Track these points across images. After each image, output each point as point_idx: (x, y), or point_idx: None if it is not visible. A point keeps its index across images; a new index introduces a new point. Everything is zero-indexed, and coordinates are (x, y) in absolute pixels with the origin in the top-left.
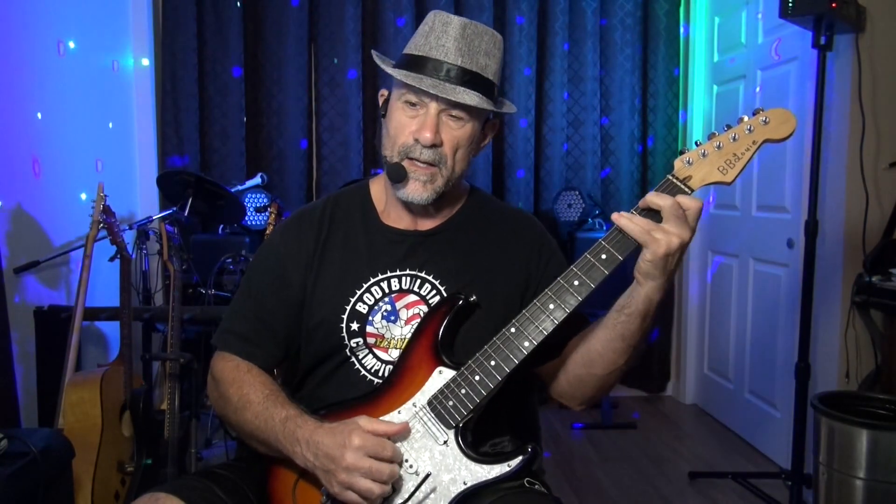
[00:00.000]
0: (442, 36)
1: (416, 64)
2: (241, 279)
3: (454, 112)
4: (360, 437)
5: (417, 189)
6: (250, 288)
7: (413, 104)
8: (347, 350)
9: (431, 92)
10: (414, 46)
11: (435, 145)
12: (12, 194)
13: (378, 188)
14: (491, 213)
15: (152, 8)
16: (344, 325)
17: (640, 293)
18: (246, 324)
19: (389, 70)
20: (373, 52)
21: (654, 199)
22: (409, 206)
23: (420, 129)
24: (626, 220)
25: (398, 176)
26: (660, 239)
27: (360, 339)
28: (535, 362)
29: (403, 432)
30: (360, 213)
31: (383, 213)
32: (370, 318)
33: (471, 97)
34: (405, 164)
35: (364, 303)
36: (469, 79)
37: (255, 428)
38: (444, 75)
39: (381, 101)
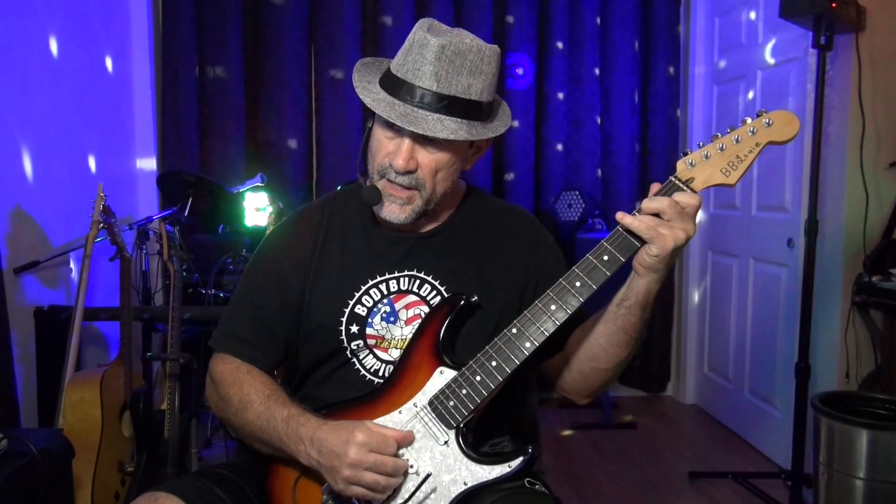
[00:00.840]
0: (419, 59)
1: (392, 87)
2: (239, 281)
3: (434, 140)
4: (363, 434)
5: (394, 211)
6: (248, 290)
7: (391, 125)
8: (348, 352)
9: (398, 124)
10: (395, 64)
11: (409, 171)
12: (12, 194)
13: None
14: (488, 211)
15: (152, 7)
16: (343, 328)
17: (641, 285)
18: (244, 326)
19: (360, 94)
20: (356, 67)
21: (649, 204)
22: None
23: (394, 155)
24: (630, 219)
25: (372, 200)
26: (666, 234)
27: (360, 342)
28: (538, 359)
29: (408, 439)
30: (358, 215)
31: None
32: (370, 320)
33: (445, 126)
34: (382, 184)
35: (363, 305)
36: (446, 104)
37: (257, 428)
38: (417, 101)
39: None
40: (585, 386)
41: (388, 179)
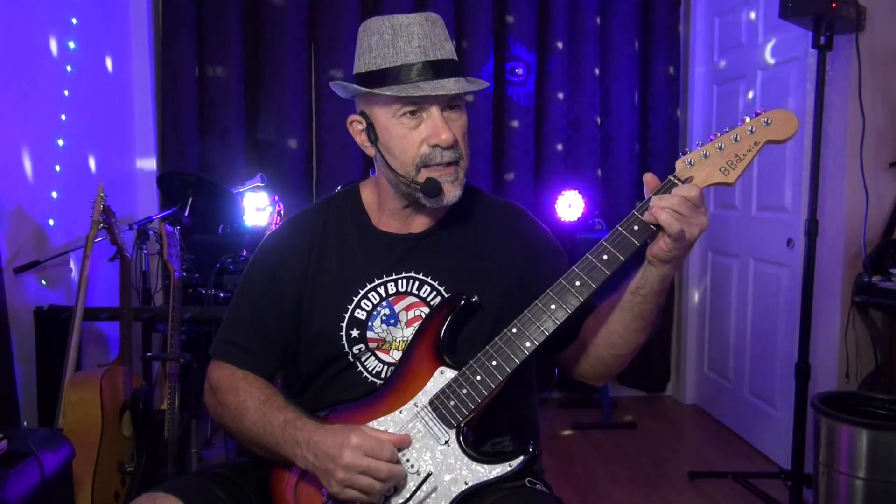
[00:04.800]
0: (412, 38)
1: (399, 75)
2: (236, 288)
3: (452, 104)
4: (358, 437)
5: (450, 191)
6: (245, 297)
7: (413, 112)
8: (350, 356)
9: (435, 94)
10: (382, 59)
11: (455, 144)
12: (12, 194)
13: (369, 193)
14: (484, 208)
15: (152, 7)
16: (344, 333)
17: (656, 274)
18: (242, 333)
19: (380, 91)
20: (331, 84)
21: (659, 203)
22: (404, 209)
23: (434, 134)
24: (665, 215)
25: (435, 190)
26: (685, 230)
27: (361, 345)
28: (555, 349)
29: (404, 442)
30: (353, 220)
31: (376, 218)
32: (370, 323)
33: (463, 84)
34: (425, 173)
35: (362, 309)
36: (451, 67)
37: (255, 435)
38: (432, 74)
39: (357, 129)
40: (604, 371)
41: (430, 166)
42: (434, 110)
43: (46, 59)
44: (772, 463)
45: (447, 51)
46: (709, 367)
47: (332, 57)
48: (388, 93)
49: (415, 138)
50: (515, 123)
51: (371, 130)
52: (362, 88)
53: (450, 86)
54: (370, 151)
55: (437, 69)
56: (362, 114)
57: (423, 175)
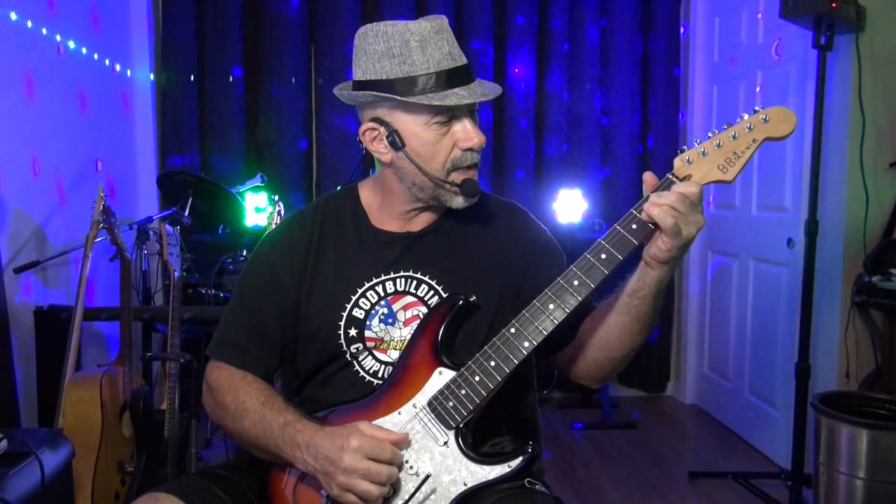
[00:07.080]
0: (442, 45)
1: (430, 82)
2: (234, 288)
3: (472, 108)
4: (357, 440)
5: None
6: (243, 297)
7: (446, 121)
8: (347, 355)
9: (474, 100)
10: (410, 66)
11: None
12: (12, 194)
13: (368, 192)
14: (482, 207)
15: (152, 7)
16: (342, 332)
17: (653, 276)
18: (240, 333)
19: (416, 100)
20: (341, 91)
21: (657, 200)
22: (409, 211)
23: (467, 138)
24: (657, 210)
25: (474, 191)
26: (682, 229)
27: (359, 345)
28: (552, 350)
29: (403, 442)
30: (351, 219)
31: (374, 217)
32: (368, 322)
33: (494, 88)
34: (455, 176)
35: (360, 308)
36: (469, 73)
37: (255, 436)
38: (462, 80)
39: (371, 137)
40: (600, 373)
41: (460, 169)
42: (465, 116)
43: (49, 58)
44: (772, 463)
45: (463, 56)
46: (709, 367)
47: (333, 56)
48: (436, 102)
49: (446, 143)
50: (516, 123)
51: (397, 137)
52: (394, 97)
53: (480, 91)
54: (385, 157)
55: (464, 75)
56: (377, 121)
57: (454, 177)
